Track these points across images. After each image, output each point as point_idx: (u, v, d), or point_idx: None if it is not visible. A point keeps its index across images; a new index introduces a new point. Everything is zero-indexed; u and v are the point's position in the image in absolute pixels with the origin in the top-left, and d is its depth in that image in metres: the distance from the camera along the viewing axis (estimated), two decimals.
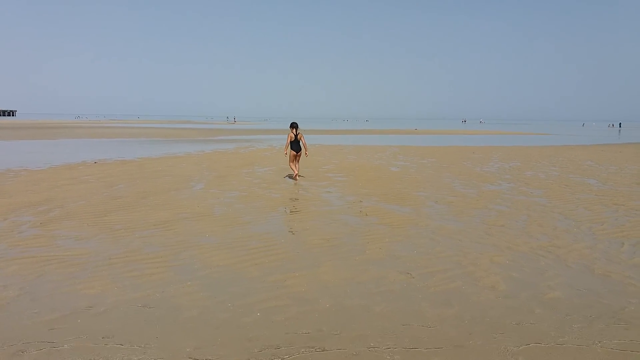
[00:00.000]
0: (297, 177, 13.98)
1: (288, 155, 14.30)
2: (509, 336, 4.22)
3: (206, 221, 8.52)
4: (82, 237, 7.38)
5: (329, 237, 7.54)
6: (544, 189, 12.88)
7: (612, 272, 6.01)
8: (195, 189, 12.13)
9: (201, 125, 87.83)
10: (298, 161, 14.19)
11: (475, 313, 4.72)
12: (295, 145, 14.04)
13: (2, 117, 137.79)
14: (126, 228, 7.99)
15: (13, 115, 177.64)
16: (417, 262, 6.32)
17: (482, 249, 7.00)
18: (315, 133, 55.73)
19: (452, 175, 15.69)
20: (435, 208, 10.06)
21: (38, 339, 4.11)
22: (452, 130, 72.51)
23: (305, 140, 14.44)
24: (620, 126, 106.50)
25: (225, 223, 8.38)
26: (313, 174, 15.34)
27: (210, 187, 12.45)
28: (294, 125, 14.22)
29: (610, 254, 6.77)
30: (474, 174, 16.34)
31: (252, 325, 4.38)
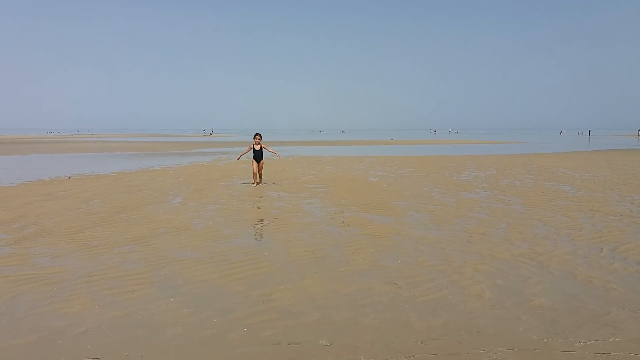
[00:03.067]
0: (257, 184, 15.12)
1: (252, 164, 15.24)
2: (497, 344, 4.21)
3: (186, 235, 8.37)
4: (58, 254, 7.16)
5: (313, 248, 7.48)
6: (521, 197, 13.06)
7: (594, 277, 6.09)
8: (173, 203, 11.94)
9: (177, 138, 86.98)
10: (261, 172, 15.22)
11: (462, 322, 4.71)
12: (258, 154, 15.06)
13: None
14: (104, 244, 7.79)
15: None
16: (402, 272, 6.31)
17: (465, 257, 7.03)
18: (293, 144, 55.76)
19: (430, 185, 15.81)
20: (416, 217, 10.10)
21: None
22: (427, 140, 73.40)
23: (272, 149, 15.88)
24: (589, 134, 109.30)
25: (205, 237, 8.25)
26: (293, 185, 15.28)
27: (188, 201, 12.27)
28: (256, 136, 15.33)
29: (590, 260, 6.87)
30: (451, 182, 16.49)
31: (239, 341, 4.28)
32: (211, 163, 25.68)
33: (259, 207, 11.33)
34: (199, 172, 20.45)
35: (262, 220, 9.83)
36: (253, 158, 15.15)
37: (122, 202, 12.11)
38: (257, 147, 15.14)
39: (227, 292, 5.53)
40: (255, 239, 8.17)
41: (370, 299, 5.34)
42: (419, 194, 13.67)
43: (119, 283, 5.88)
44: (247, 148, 15.26)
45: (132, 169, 22.26)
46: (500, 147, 50.78)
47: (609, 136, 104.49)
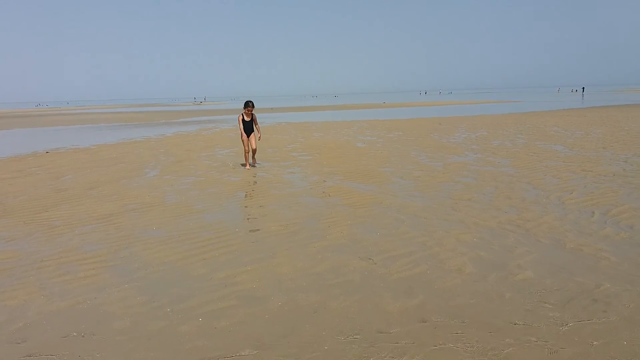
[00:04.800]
0: (255, 164, 12.48)
1: (242, 138, 12.27)
2: (476, 329, 3.82)
3: (155, 212, 7.90)
4: (14, 237, 6.69)
5: (288, 222, 7.04)
6: (511, 158, 12.61)
7: (584, 245, 5.69)
8: (149, 176, 11.43)
9: (166, 108, 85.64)
10: (254, 147, 12.35)
11: (440, 302, 4.30)
12: (249, 127, 12.25)
13: None
14: (66, 224, 7.32)
15: None
16: (380, 245, 5.88)
17: (448, 226, 6.61)
18: (283, 111, 54.88)
19: (419, 149, 15.32)
20: (400, 184, 9.65)
21: None
22: (419, 103, 72.49)
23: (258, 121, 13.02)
24: (583, 91, 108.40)
25: (176, 213, 7.79)
26: (277, 154, 14.76)
27: (165, 174, 11.77)
28: (248, 104, 12.13)
29: (581, 225, 6.46)
30: (440, 145, 16.01)
31: (191, 334, 3.86)
32: (196, 133, 25.03)
33: (237, 179, 10.83)
34: (181, 142, 19.85)
35: (238, 193, 9.35)
36: (243, 131, 12.31)
37: (96, 176, 11.59)
38: (248, 119, 12.27)
39: (187, 276, 5.09)
40: (228, 213, 7.71)
41: (342, 277, 4.92)
42: (407, 159, 13.20)
43: (72, 268, 5.43)
44: (239, 124, 12.26)
45: (114, 141, 21.63)
46: (493, 106, 50.13)
47: (603, 92, 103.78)
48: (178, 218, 7.47)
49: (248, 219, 7.39)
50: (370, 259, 5.42)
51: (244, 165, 12.53)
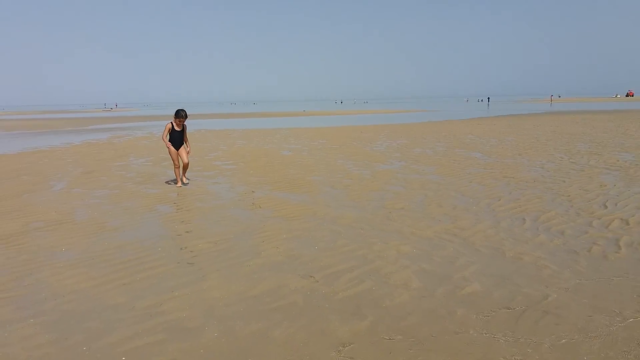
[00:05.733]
0: (185, 180, 10.74)
1: (169, 152, 10.51)
2: (433, 351, 3.55)
3: (63, 230, 7.03)
4: None
5: (217, 238, 6.49)
6: (434, 166, 12.79)
7: (523, 253, 5.66)
8: (55, 190, 10.34)
9: (74, 114, 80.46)
10: (185, 162, 10.56)
11: (391, 323, 4.00)
12: (178, 139, 10.50)
13: None
14: None
15: None
16: (320, 260, 5.53)
17: (386, 237, 6.39)
18: (201, 117, 53.31)
19: (345, 157, 15.21)
20: (332, 194, 9.37)
21: None
22: (338, 111, 73.53)
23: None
24: (489, 101, 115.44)
25: (87, 231, 6.97)
26: (199, 163, 14.00)
27: (73, 186, 10.70)
28: (181, 114, 10.37)
29: (515, 233, 6.49)
30: (365, 153, 16.01)
31: None
32: (107, 140, 23.45)
33: (156, 191, 10.05)
34: (90, 151, 18.43)
35: (158, 206, 8.61)
36: (171, 144, 10.49)
37: None
38: (179, 129, 10.49)
39: (105, 306, 4.43)
40: (148, 231, 7.01)
41: (283, 300, 4.50)
42: (334, 167, 13.00)
43: None
44: (164, 130, 10.49)
45: (15, 150, 19.69)
46: (408, 115, 51.79)
47: (505, 102, 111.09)
48: (90, 237, 6.67)
49: (171, 236, 6.75)
50: (311, 276, 5.04)
51: (174, 182, 10.76)
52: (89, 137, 26.65)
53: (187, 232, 6.89)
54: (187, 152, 10.66)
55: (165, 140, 10.47)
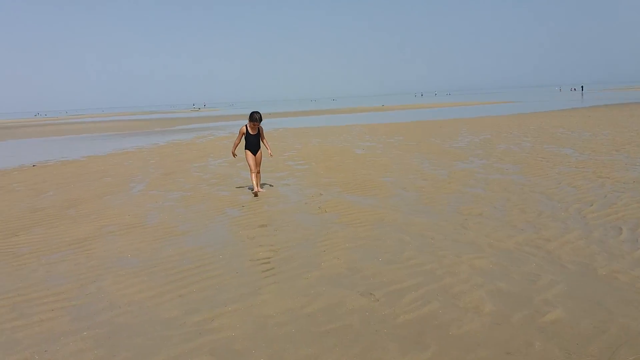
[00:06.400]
0: (259, 190, 9.81)
1: (246, 157, 9.80)
2: None
3: (133, 235, 7.15)
4: None
5: (279, 246, 6.28)
6: (519, 164, 11.86)
7: (618, 271, 4.92)
8: (134, 192, 10.69)
9: (164, 115, 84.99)
10: (259, 167, 9.90)
11: (457, 355, 3.53)
12: (254, 143, 9.77)
13: None
14: (34, 251, 6.57)
15: None
16: (383, 275, 5.12)
17: (459, 249, 5.85)
18: (281, 116, 54.16)
19: (421, 155, 14.57)
20: (403, 197, 8.89)
21: None
22: (418, 105, 71.83)
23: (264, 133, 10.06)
24: (582, 89, 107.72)
25: (155, 236, 7.02)
26: (272, 163, 13.99)
27: (151, 188, 11.02)
28: (255, 118, 9.55)
29: (609, 246, 5.70)
30: (443, 151, 15.26)
31: None
32: (190, 141, 24.29)
33: (228, 193, 10.07)
34: (173, 152, 19.10)
35: (227, 210, 8.58)
36: (246, 148, 9.77)
37: (78, 193, 10.84)
38: (254, 132, 9.73)
39: (157, 320, 4.33)
40: (213, 236, 6.94)
41: (338, 321, 4.16)
42: (409, 166, 12.44)
43: (28, 310, 4.68)
44: (238, 134, 9.83)
45: (104, 152, 20.89)
46: (493, 108, 49.43)
47: (602, 91, 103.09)
48: (157, 242, 6.71)
49: (234, 242, 6.62)
50: (371, 294, 4.66)
51: (251, 188, 10.04)
52: (174, 137, 27.79)
53: (250, 238, 6.73)
54: (270, 155, 10.21)
55: (233, 149, 10.14)
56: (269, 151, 10.10)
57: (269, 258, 5.86)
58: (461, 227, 6.74)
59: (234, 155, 10.14)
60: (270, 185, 10.62)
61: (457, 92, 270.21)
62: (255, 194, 9.62)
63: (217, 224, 7.60)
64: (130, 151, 20.39)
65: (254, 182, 9.80)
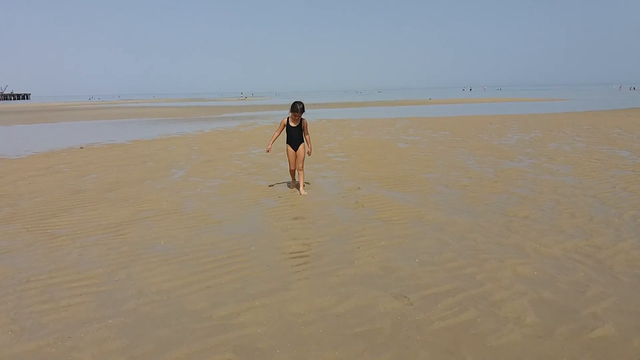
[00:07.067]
0: (302, 191, 8.82)
1: (286, 151, 9.03)
2: None
3: (169, 221, 7.15)
4: (9, 248, 6.04)
5: (312, 240, 6.12)
6: (571, 165, 11.25)
7: None
8: (174, 178, 10.76)
9: (212, 102, 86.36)
10: (301, 165, 8.90)
11: None
12: (295, 137, 8.88)
13: (16, 101, 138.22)
14: (70, 234, 6.64)
15: (27, 98, 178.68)
16: (418, 277, 4.88)
17: (502, 253, 5.53)
18: (325, 107, 54.01)
19: (467, 151, 14.08)
20: (445, 194, 8.55)
21: None
22: (467, 99, 70.04)
23: (308, 131, 9.08)
24: (635, 89, 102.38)
25: (191, 223, 7.00)
26: (312, 155, 13.82)
27: (191, 175, 11.06)
28: (297, 108, 8.59)
29: None
30: (491, 148, 14.70)
31: None
32: (234, 129, 24.45)
33: (265, 182, 9.99)
34: (217, 139, 19.24)
35: (263, 200, 8.48)
36: (287, 142, 8.95)
37: (120, 176, 11.01)
38: (294, 124, 8.84)
39: (183, 311, 4.25)
40: (247, 226, 6.84)
41: (369, 324, 3.95)
42: (453, 162, 12.03)
43: (57, 293, 4.69)
44: (279, 126, 8.88)
45: (150, 137, 21.28)
46: (545, 105, 47.60)
47: None
48: (191, 230, 6.67)
49: (267, 233, 6.50)
50: (405, 297, 4.43)
51: (289, 185, 9.50)
52: (219, 125, 28.08)
53: (283, 230, 6.60)
54: (308, 153, 8.94)
55: (269, 143, 8.96)
56: (309, 148, 8.96)
57: (301, 252, 5.70)
58: (505, 230, 6.39)
59: (268, 150, 9.10)
60: (309, 176, 10.45)
61: (508, 87, 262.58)
62: (294, 189, 9.08)
63: (252, 214, 7.51)
64: (175, 137, 20.69)
65: (294, 180, 9.29)
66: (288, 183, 9.80)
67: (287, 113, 8.31)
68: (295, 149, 8.92)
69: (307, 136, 8.94)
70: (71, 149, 16.96)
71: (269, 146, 9.03)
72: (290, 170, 9.19)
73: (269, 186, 9.60)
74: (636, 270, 4.96)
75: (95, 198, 8.81)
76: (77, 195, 9.12)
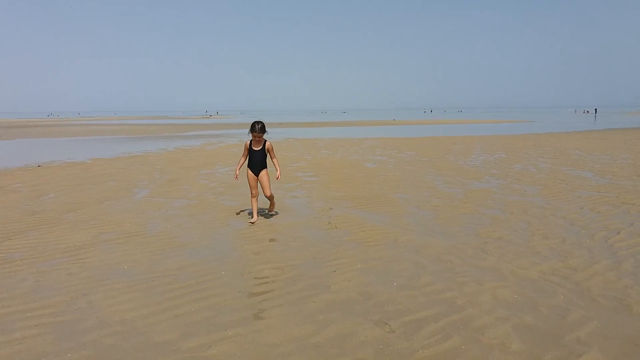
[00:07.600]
0: (272, 210, 8.58)
1: (247, 176, 8.15)
2: None
3: (132, 244, 6.77)
4: None
5: (285, 264, 5.88)
6: (538, 186, 11.40)
7: None
8: (137, 198, 10.33)
9: (175, 120, 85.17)
10: (267, 191, 8.07)
11: None
12: (257, 162, 8.04)
13: None
14: (27, 258, 6.20)
15: None
16: (398, 302, 4.70)
17: (480, 276, 5.42)
18: (291, 126, 53.99)
19: (434, 171, 14.14)
20: (417, 215, 8.46)
21: None
22: (430, 120, 71.46)
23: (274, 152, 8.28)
24: (596, 112, 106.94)
25: (155, 246, 6.65)
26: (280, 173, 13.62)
27: (155, 195, 10.66)
28: (254, 128, 7.80)
29: None
30: (457, 168, 14.82)
31: None
32: (199, 147, 24.01)
33: (234, 203, 9.70)
34: (182, 158, 18.79)
35: (232, 221, 8.18)
36: (248, 166, 8.09)
37: (79, 196, 10.50)
38: (257, 148, 8.04)
39: (149, 343, 3.93)
40: (216, 250, 6.54)
41: (350, 354, 3.74)
42: (422, 183, 12.02)
43: (11, 325, 4.29)
44: (244, 148, 8.16)
45: (111, 155, 20.61)
46: (506, 126, 48.94)
47: (615, 114, 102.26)
48: (156, 254, 6.33)
49: (238, 257, 6.22)
50: (386, 324, 4.23)
51: (250, 214, 8.36)
52: (184, 143, 27.55)
53: (254, 253, 6.33)
54: (277, 177, 8.15)
55: (236, 169, 8.26)
56: (277, 173, 8.16)
57: (274, 277, 5.45)
58: (481, 252, 6.31)
59: (236, 177, 8.33)
60: (279, 197, 10.20)
61: (468, 109, 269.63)
62: (253, 221, 7.93)
63: (221, 236, 7.22)
64: (137, 155, 20.11)
65: (255, 209, 8.09)
66: (259, 202, 9.52)
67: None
68: (257, 173, 8.07)
69: (274, 160, 8.19)
70: (28, 167, 16.22)
71: (236, 173, 8.28)
72: (252, 196, 8.10)
73: (238, 210, 9.29)
74: (614, 292, 4.93)
75: (52, 220, 8.33)
76: (33, 216, 8.60)
